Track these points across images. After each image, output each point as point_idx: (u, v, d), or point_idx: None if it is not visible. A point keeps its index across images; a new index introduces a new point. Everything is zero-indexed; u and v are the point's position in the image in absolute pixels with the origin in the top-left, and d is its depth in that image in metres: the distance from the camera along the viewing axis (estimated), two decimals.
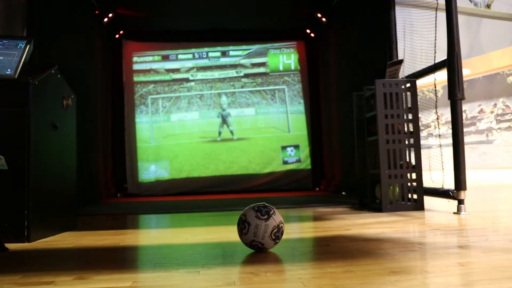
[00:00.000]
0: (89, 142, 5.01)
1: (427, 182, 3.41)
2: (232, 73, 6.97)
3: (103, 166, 5.76)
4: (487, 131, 9.69)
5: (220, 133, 6.80)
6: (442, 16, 3.20)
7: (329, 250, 1.78)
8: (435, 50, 3.41)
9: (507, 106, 9.39)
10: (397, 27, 3.97)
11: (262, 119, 6.90)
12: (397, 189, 3.27)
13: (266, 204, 1.79)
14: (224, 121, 6.83)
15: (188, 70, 6.93)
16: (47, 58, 3.62)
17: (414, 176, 3.29)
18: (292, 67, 7.02)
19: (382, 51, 4.07)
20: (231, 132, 6.81)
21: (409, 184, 3.29)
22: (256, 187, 6.66)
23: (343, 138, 5.51)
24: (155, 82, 6.84)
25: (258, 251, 1.75)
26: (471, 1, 5.77)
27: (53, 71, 2.43)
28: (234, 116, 6.89)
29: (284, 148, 6.85)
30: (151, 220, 3.24)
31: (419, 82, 3.51)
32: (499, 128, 9.49)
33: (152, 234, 2.46)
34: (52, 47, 3.86)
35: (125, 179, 6.54)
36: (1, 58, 2.23)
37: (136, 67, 6.86)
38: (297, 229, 2.45)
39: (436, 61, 3.33)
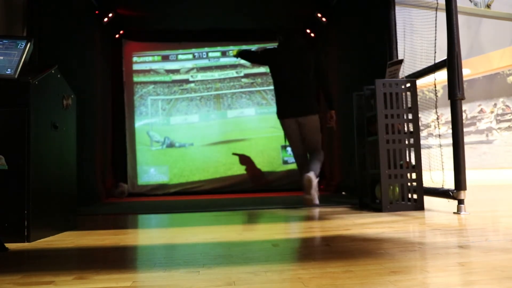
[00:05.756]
0: (89, 142, 5.01)
1: (427, 182, 3.41)
2: (232, 73, 6.96)
3: (103, 166, 5.76)
4: (487, 131, 9.69)
5: None
6: (442, 16, 3.20)
7: (329, 250, 1.78)
8: (435, 50, 3.40)
9: (507, 106, 9.39)
10: (397, 27, 3.97)
11: (262, 119, 6.90)
12: (397, 189, 3.27)
13: None
14: None
15: (188, 70, 6.93)
16: (47, 58, 3.62)
17: (414, 176, 3.29)
18: None
19: (382, 51, 4.07)
20: None
21: (409, 184, 3.29)
22: (256, 187, 6.66)
23: (343, 138, 5.50)
24: (155, 82, 6.83)
25: None
26: (471, 1, 5.77)
27: (53, 71, 2.43)
28: (234, 117, 6.89)
29: (284, 147, 6.85)
30: (151, 220, 3.24)
31: (419, 82, 3.51)
32: (499, 128, 9.49)
33: (152, 234, 2.46)
34: (52, 46, 3.86)
35: (125, 179, 6.54)
36: (1, 58, 2.23)
37: (136, 67, 6.85)
38: (297, 229, 2.45)
39: (436, 61, 3.33)
